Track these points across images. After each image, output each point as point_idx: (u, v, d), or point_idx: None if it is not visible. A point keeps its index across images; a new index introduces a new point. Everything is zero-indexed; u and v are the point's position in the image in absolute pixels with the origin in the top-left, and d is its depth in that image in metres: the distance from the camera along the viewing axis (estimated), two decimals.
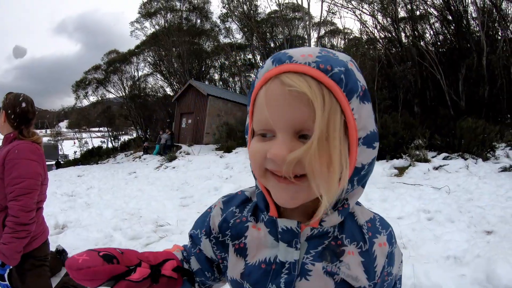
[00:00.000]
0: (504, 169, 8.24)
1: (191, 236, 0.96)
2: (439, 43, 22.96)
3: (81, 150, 37.38)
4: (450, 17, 21.03)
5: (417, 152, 9.99)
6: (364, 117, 0.66)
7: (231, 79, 34.58)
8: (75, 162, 27.85)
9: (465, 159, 9.32)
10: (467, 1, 19.95)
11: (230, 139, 18.00)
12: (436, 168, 8.91)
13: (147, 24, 32.44)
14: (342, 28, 27.84)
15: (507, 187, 6.77)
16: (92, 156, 29.50)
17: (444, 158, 9.72)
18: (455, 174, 8.20)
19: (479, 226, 4.96)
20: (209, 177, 11.07)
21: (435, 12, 21.78)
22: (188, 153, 17.70)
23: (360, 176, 0.71)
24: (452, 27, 21.55)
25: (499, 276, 3.23)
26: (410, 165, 9.41)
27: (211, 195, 8.86)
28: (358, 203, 0.83)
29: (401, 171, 9.22)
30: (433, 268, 3.76)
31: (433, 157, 10.04)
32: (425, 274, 3.53)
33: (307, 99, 0.61)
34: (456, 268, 3.76)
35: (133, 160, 21.09)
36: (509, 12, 19.00)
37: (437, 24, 22.71)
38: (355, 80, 0.65)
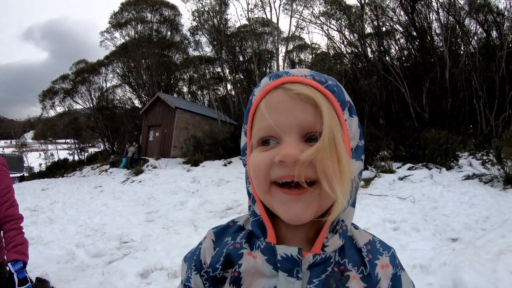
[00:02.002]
0: (468, 177, 8.37)
1: (196, 261, 0.82)
2: (403, 58, 23.74)
3: (46, 162, 36.09)
4: (414, 33, 21.78)
5: (383, 163, 10.06)
6: (353, 129, 0.69)
7: (199, 92, 34.30)
8: (40, 175, 26.78)
9: (430, 169, 9.44)
10: (431, 18, 20.73)
11: (198, 152, 17.74)
12: (401, 179, 8.97)
13: (117, 34, 31.83)
14: (310, 43, 28.27)
15: (470, 195, 6.86)
16: (57, 169, 28.51)
17: (409, 169, 9.82)
18: (420, 184, 8.26)
19: (444, 234, 4.95)
20: (175, 191, 10.87)
21: (400, 29, 22.55)
22: (155, 167, 17.27)
23: (353, 189, 0.68)
24: (416, 43, 22.29)
25: (466, 283, 3.21)
26: (375, 176, 9.44)
27: (176, 209, 8.71)
28: (355, 226, 0.79)
29: (367, 182, 9.22)
30: None
31: (398, 167, 10.13)
32: None
33: (312, 103, 0.64)
34: (423, 277, 3.71)
35: (100, 174, 20.53)
36: (472, 28, 19.82)
37: (402, 40, 23.53)
38: (344, 95, 0.69)
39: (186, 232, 6.37)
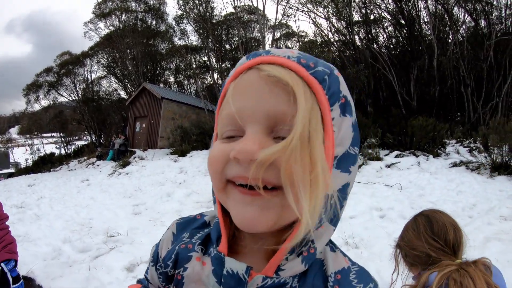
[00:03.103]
0: (455, 165, 8.32)
1: (154, 257, 0.77)
2: (391, 46, 23.64)
3: (32, 157, 35.52)
4: (403, 21, 21.66)
5: (370, 151, 9.97)
6: (343, 132, 0.54)
7: (186, 81, 33.87)
8: (27, 171, 26.31)
9: (417, 156, 9.40)
10: (419, 6, 20.61)
11: (185, 142, 17.50)
12: (388, 166, 8.89)
13: (101, 25, 31.14)
14: (297, 31, 28.04)
15: (457, 182, 6.83)
16: (44, 164, 28.04)
17: (397, 156, 9.77)
18: (407, 171, 8.20)
19: None
20: (162, 183, 10.76)
21: (388, 16, 22.42)
22: (142, 158, 17.02)
23: (328, 207, 0.52)
24: (404, 31, 22.19)
25: None
26: (363, 163, 9.35)
27: (163, 201, 8.63)
28: (333, 247, 0.64)
29: None
30: (385, 266, 3.64)
31: (385, 155, 10.08)
32: (378, 273, 3.49)
33: (287, 89, 0.50)
34: None
35: (87, 167, 20.16)
36: (460, 16, 19.77)
37: (390, 28, 23.40)
38: (339, 87, 0.55)
39: None
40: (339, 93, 0.55)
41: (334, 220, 0.58)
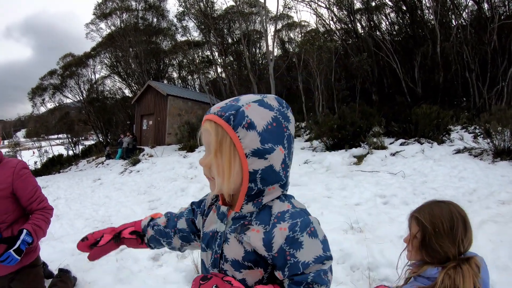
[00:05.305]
0: (458, 151, 8.37)
1: (192, 206, 1.40)
2: (394, 33, 23.43)
3: (41, 159, 35.82)
4: (404, 7, 21.47)
5: (375, 140, 10.03)
6: (248, 140, 0.97)
7: (190, 77, 33.92)
8: (36, 173, 26.52)
9: (421, 144, 9.43)
10: None
11: (193, 138, 17.60)
12: (393, 154, 8.95)
13: (102, 25, 31.20)
14: (298, 22, 27.84)
15: (460, 168, 6.87)
16: (53, 165, 28.25)
17: (401, 144, 9.81)
18: (411, 159, 8.25)
19: None
20: (174, 178, 10.85)
21: (390, 3, 22.18)
22: (151, 155, 17.20)
23: (256, 178, 1.01)
24: (407, 17, 22.00)
25: None
26: (368, 153, 9.43)
27: (178, 196, 8.79)
28: (283, 199, 1.08)
29: (359, 159, 9.21)
30: (388, 247, 3.87)
31: (390, 143, 10.12)
32: (380, 252, 3.72)
33: (210, 132, 1.02)
34: None
35: (96, 166, 20.34)
36: (462, 0, 19.55)
37: (392, 15, 23.15)
38: (243, 116, 0.97)
39: None
40: (242, 120, 0.97)
41: (283, 185, 1.06)
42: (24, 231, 2.40)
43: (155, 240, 1.42)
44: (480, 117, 8.31)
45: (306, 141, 13.84)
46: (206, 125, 1.02)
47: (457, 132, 11.11)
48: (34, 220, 2.50)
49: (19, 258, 2.32)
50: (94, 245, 1.37)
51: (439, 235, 1.36)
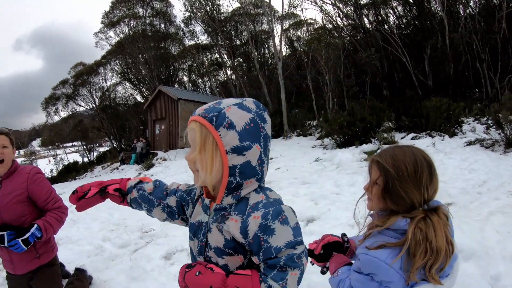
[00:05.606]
0: (469, 143, 8.29)
1: (189, 189, 1.53)
2: (402, 26, 23.20)
3: (57, 167, 36.38)
4: (411, 0, 21.22)
5: (385, 135, 9.98)
6: (228, 138, 1.11)
7: (200, 80, 34.09)
8: (53, 181, 26.96)
9: (432, 137, 9.35)
10: None
11: None
12: None
13: (111, 33, 31.64)
14: (305, 20, 27.74)
15: (471, 160, 6.80)
16: (69, 172, 28.70)
17: (413, 138, 9.75)
18: None
19: (439, 199, 4.88)
20: (188, 181, 10.84)
21: None
22: (164, 159, 17.42)
23: (235, 172, 1.14)
24: (414, 9, 21.80)
25: None
26: (378, 148, 9.38)
27: None
28: (259, 191, 1.21)
29: (370, 155, 9.16)
30: None
31: (402, 138, 10.07)
32: None
33: (195, 131, 1.16)
34: None
35: (111, 172, 20.67)
36: None
37: (399, 8, 22.95)
38: (224, 117, 1.11)
39: None
40: (223, 121, 1.11)
41: (259, 179, 1.19)
42: (35, 225, 2.57)
43: (137, 202, 1.58)
44: (490, 107, 8.20)
45: (317, 139, 13.85)
46: (192, 125, 1.16)
47: (469, 124, 10.98)
48: (47, 217, 2.68)
49: (26, 248, 2.49)
50: (82, 198, 1.53)
51: (403, 179, 1.28)
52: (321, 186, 6.75)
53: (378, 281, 1.25)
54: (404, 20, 23.38)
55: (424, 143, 8.91)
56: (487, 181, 5.40)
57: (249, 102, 1.20)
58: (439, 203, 1.32)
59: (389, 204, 1.32)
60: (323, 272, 1.64)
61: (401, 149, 1.37)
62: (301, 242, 1.13)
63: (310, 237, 4.15)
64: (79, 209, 1.54)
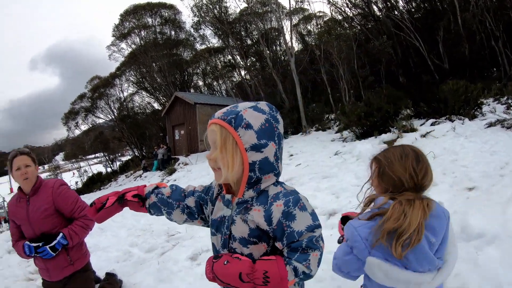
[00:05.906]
0: (490, 125, 8.17)
1: (206, 189, 1.60)
2: (413, 10, 22.81)
3: (81, 179, 37.23)
4: None
5: (404, 123, 9.90)
6: (247, 137, 1.24)
7: (215, 82, 34.43)
8: (79, 192, 27.61)
9: (452, 122, 9.23)
10: None
11: None
12: (423, 136, 8.84)
13: (123, 45, 32.23)
14: (313, 14, 27.62)
15: (492, 143, 6.71)
16: (94, 183, 29.45)
17: (432, 124, 9.63)
18: (442, 138, 8.11)
19: (461, 184, 4.89)
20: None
21: None
22: (186, 164, 17.66)
23: (255, 168, 1.27)
24: None
25: (472, 227, 3.29)
26: (398, 137, 9.34)
27: None
28: (276, 184, 1.34)
29: (389, 144, 9.11)
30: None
31: (421, 124, 9.96)
32: None
33: (216, 132, 1.28)
34: None
35: (135, 180, 21.06)
36: None
37: None
38: (242, 119, 1.24)
39: None
40: (241, 121, 1.23)
41: (276, 174, 1.32)
42: (61, 234, 2.77)
43: (156, 207, 1.62)
44: (509, 86, 8.06)
45: (336, 132, 13.82)
46: (212, 127, 1.30)
47: (488, 105, 10.76)
48: (73, 226, 2.84)
49: (54, 254, 2.73)
50: (101, 209, 1.58)
51: (391, 163, 1.50)
52: (341, 179, 6.78)
53: (350, 246, 1.44)
54: (413, 3, 23.01)
55: (444, 128, 8.81)
56: (509, 162, 5.32)
57: (263, 104, 1.33)
58: (429, 198, 1.49)
59: (384, 185, 1.54)
60: (339, 242, 1.81)
61: (394, 146, 1.62)
62: (319, 226, 1.29)
63: (332, 230, 4.25)
64: (99, 220, 1.59)
